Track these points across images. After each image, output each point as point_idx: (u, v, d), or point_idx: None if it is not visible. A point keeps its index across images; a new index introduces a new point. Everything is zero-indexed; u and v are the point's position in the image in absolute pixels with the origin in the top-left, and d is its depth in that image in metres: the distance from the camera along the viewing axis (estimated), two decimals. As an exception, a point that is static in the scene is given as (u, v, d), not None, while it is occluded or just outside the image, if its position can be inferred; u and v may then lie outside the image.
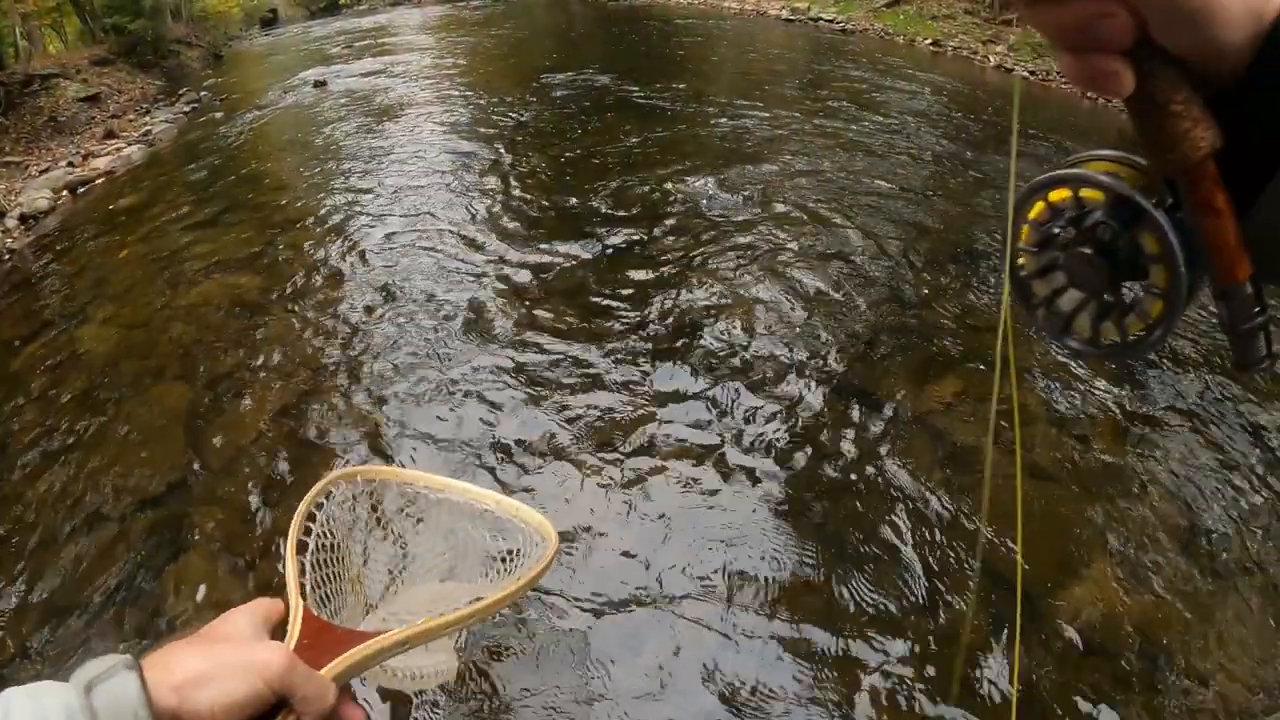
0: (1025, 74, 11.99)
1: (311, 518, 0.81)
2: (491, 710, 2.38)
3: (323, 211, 6.17)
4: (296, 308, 4.74)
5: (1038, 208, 0.53)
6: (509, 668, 2.50)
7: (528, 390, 3.82)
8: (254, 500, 3.28)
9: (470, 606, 0.73)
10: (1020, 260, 0.55)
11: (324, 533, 0.82)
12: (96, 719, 0.44)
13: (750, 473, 3.26)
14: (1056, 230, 0.52)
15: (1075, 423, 3.59)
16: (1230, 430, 3.52)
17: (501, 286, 4.79)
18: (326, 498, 0.84)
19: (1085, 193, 0.50)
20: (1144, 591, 2.73)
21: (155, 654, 0.50)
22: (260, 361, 4.24)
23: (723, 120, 8.26)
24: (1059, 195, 0.51)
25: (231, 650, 0.53)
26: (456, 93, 9.73)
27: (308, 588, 0.75)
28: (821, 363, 3.98)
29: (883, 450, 3.40)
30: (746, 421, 3.57)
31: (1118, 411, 3.63)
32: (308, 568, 0.77)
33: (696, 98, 9.22)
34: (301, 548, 0.77)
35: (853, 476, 3.26)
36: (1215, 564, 2.85)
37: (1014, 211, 0.54)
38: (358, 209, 6.11)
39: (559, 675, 2.47)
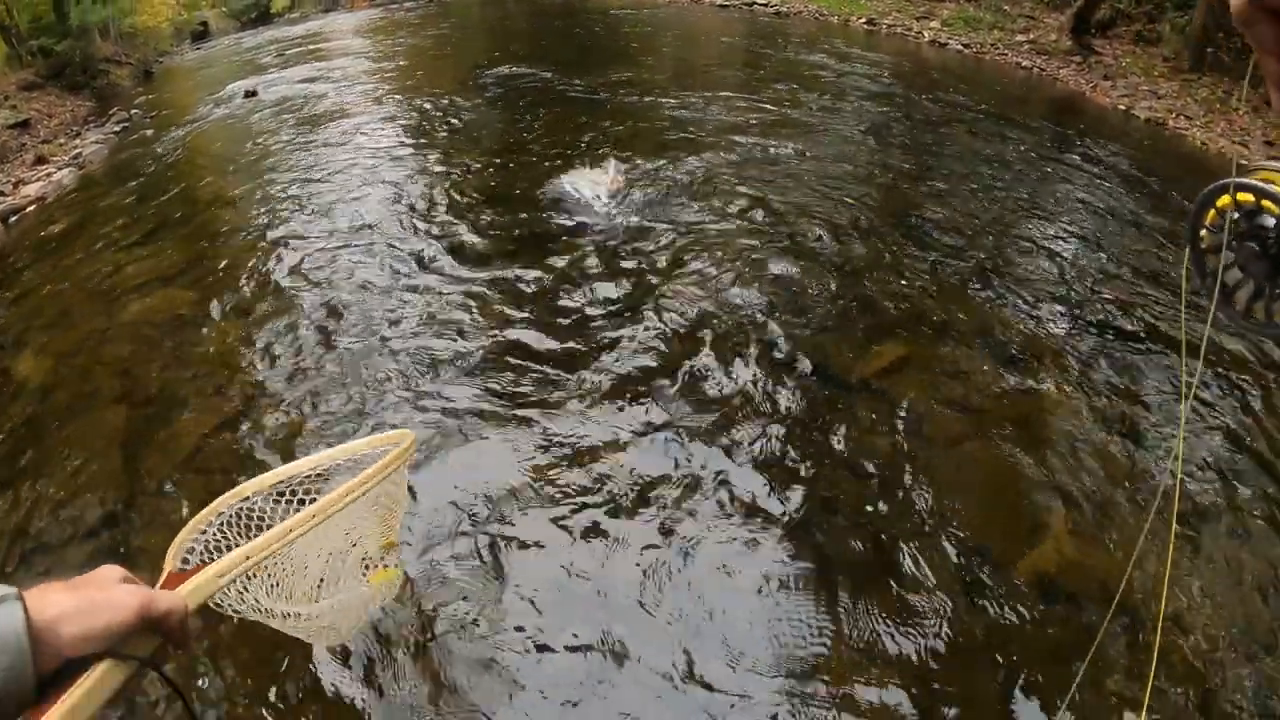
0: (959, 47, 12.26)
1: (198, 539, 0.85)
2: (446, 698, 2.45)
3: (256, 225, 6.11)
4: (232, 324, 4.72)
5: (1224, 199, 0.67)
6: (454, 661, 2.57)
7: (470, 387, 3.87)
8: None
9: (306, 510, 0.78)
10: (1202, 233, 0.71)
11: (213, 537, 0.86)
12: None
13: (710, 457, 3.37)
14: (1234, 219, 0.68)
15: (1018, 365, 3.75)
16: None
17: (443, 290, 4.81)
18: (217, 516, 0.88)
19: (1266, 203, 0.64)
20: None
21: (33, 591, 0.59)
22: (196, 379, 4.22)
23: (666, 110, 8.34)
24: (1244, 197, 0.65)
25: (96, 591, 0.62)
26: (393, 95, 9.65)
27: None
28: (772, 340, 4.09)
29: (838, 419, 3.54)
30: (701, 405, 3.67)
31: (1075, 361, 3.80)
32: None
33: (638, 88, 9.27)
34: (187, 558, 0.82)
35: (812, 451, 3.38)
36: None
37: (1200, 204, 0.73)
38: (292, 221, 6.06)
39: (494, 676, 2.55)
